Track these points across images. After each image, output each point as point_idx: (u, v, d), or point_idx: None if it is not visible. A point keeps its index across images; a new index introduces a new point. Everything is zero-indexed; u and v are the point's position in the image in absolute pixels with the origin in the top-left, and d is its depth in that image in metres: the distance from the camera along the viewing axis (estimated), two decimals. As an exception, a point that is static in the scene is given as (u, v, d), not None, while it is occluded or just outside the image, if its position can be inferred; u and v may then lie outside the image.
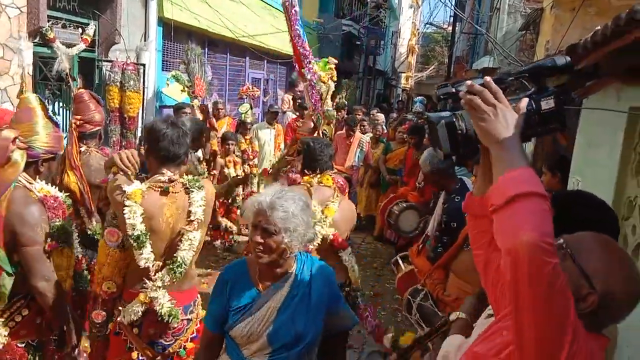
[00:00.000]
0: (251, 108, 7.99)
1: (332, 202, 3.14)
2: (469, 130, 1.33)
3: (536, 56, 5.83)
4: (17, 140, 2.24)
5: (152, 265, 2.41)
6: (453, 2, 20.87)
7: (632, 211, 2.28)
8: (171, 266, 2.43)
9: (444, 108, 1.41)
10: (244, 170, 6.95)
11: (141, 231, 2.34)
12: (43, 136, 2.41)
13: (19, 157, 2.24)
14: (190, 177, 2.51)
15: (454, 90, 1.36)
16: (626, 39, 1.81)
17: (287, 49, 12.70)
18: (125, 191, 2.32)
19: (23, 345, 2.40)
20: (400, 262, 3.36)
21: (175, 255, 2.44)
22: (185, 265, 2.45)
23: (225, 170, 6.27)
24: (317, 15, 15.06)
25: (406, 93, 28.97)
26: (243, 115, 7.56)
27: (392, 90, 29.91)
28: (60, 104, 5.76)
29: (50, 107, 5.62)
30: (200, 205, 2.45)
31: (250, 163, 7.15)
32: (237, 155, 6.69)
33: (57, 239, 2.48)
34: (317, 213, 2.98)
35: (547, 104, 1.32)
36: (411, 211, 5.60)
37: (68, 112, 5.81)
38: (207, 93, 7.44)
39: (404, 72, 30.15)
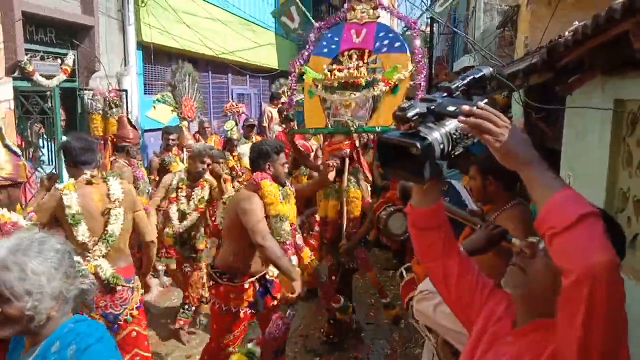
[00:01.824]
0: (236, 124, 7.98)
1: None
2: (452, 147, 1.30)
3: (516, 53, 5.88)
4: None
5: (89, 240, 3.12)
6: (429, 3, 21.04)
7: (626, 203, 2.29)
8: (104, 237, 3.17)
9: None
10: (234, 187, 6.94)
11: (77, 211, 3.07)
12: (2, 164, 2.50)
13: None
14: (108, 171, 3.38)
15: (427, 109, 1.31)
16: (607, 36, 1.83)
17: (267, 62, 12.77)
18: (58, 187, 3.14)
19: None
20: (404, 273, 3.34)
21: (106, 229, 3.17)
22: (115, 235, 3.19)
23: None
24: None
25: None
26: (229, 132, 7.55)
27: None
28: (45, 137, 5.71)
29: (38, 140, 5.62)
30: (118, 188, 3.21)
31: (240, 179, 7.13)
32: (226, 173, 6.67)
33: None
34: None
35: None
36: (399, 214, 5.59)
37: (53, 145, 5.76)
38: (197, 113, 7.44)
39: (385, 76, 30.23)
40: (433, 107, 1.31)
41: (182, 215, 4.74)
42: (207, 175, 4.75)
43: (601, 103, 2.56)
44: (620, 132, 2.55)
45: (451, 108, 1.30)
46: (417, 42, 4.79)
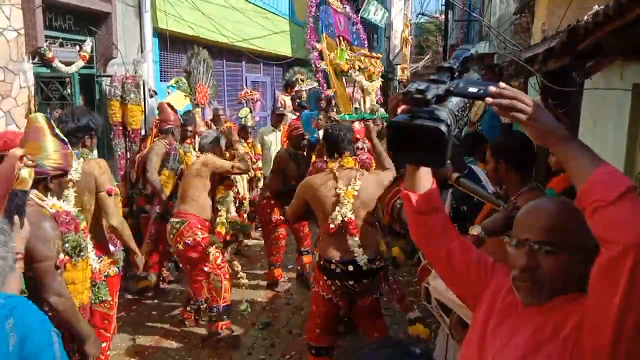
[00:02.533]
0: (251, 112, 8.02)
1: (355, 182, 3.67)
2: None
3: (533, 39, 5.84)
4: (24, 158, 2.29)
5: None
6: (444, -9, 20.84)
7: None
8: None
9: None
10: (248, 175, 6.99)
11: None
12: (51, 153, 2.48)
13: (27, 174, 2.28)
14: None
15: (446, 91, 1.28)
16: (628, 17, 1.82)
17: (281, 50, 12.76)
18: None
19: None
20: (422, 257, 3.38)
21: None
22: None
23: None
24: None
25: (403, 85, 28.91)
26: (243, 120, 7.59)
27: (389, 82, 29.87)
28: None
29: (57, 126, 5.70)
30: (75, 169, 3.19)
31: (254, 166, 7.18)
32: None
33: (70, 253, 2.59)
34: (341, 196, 3.66)
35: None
36: (414, 202, 5.65)
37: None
38: (209, 100, 7.48)
39: (399, 64, 30.11)
40: (452, 88, 1.29)
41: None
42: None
43: (620, 88, 2.57)
44: (638, 118, 2.56)
45: (473, 89, 1.26)
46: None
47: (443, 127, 1.21)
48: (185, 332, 4.93)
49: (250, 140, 7.59)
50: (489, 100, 1.23)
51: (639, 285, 1.10)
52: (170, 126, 5.73)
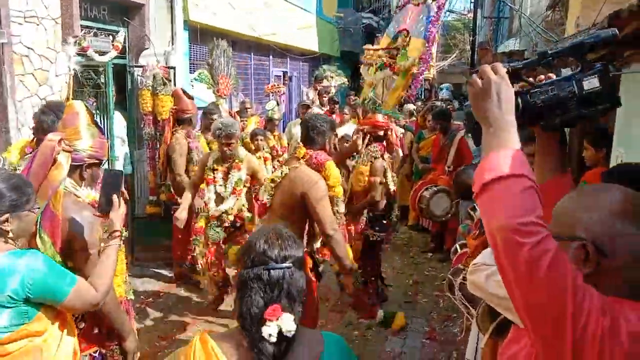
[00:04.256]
0: (277, 104, 8.06)
1: (276, 170, 3.78)
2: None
3: (566, 33, 5.76)
4: (62, 142, 2.26)
5: None
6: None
7: None
8: None
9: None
10: (273, 166, 7.04)
11: None
12: (87, 140, 2.42)
13: (64, 159, 2.25)
14: None
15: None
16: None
17: (309, 45, 12.80)
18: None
19: (86, 358, 2.38)
20: (458, 248, 3.37)
21: None
22: None
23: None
24: (336, 10, 15.07)
25: (429, 82, 28.65)
26: (270, 112, 7.64)
27: (414, 80, 29.63)
28: (98, 111, 5.91)
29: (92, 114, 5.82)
30: None
31: (280, 159, 7.22)
32: (266, 151, 6.78)
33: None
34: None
35: (589, 83, 1.27)
36: (442, 194, 5.63)
37: (106, 119, 5.96)
38: (232, 91, 7.52)
39: (426, 62, 29.88)
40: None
41: (219, 198, 4.66)
42: (244, 155, 4.71)
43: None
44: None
45: None
46: (434, 29, 4.74)
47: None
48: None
49: (276, 133, 7.64)
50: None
51: (509, 264, 1.11)
52: (188, 115, 5.70)
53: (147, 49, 6.53)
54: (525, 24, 8.26)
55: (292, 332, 1.34)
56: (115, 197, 2.24)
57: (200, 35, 7.82)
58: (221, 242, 4.72)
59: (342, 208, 3.68)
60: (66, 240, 2.21)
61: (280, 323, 1.32)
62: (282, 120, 8.93)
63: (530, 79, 1.34)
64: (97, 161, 2.49)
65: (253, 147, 6.41)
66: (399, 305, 5.31)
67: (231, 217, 4.68)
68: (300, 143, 3.71)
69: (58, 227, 2.14)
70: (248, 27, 9.03)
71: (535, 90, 1.32)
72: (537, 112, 1.32)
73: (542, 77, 1.35)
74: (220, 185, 4.64)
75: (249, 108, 7.89)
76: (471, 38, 15.30)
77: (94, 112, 5.83)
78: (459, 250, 3.60)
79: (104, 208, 2.26)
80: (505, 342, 1.46)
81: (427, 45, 4.61)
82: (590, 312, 1.04)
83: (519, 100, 1.31)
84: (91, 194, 2.49)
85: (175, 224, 4.59)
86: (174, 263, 5.73)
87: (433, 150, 6.84)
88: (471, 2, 19.83)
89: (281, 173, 3.55)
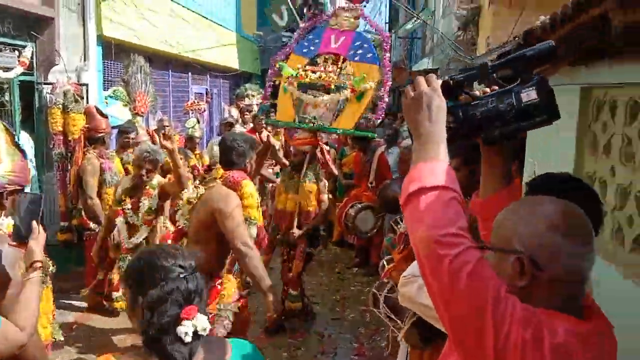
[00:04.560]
0: (198, 122, 7.89)
1: (191, 191, 3.47)
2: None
3: (478, 52, 6.07)
4: None
5: None
6: (388, 9, 21.40)
7: (626, 200, 2.37)
8: None
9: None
10: (195, 186, 6.84)
11: None
12: (8, 165, 2.17)
13: None
14: None
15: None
16: (586, 16, 1.91)
17: (229, 63, 12.68)
18: None
19: None
20: (385, 264, 3.38)
21: None
22: None
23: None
24: (256, 29, 15.08)
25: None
26: (190, 130, 7.46)
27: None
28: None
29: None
30: None
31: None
32: (187, 171, 6.58)
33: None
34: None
35: (527, 96, 1.28)
36: (367, 211, 5.73)
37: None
38: (150, 108, 7.28)
39: (344, 81, 30.59)
40: None
41: (131, 228, 4.43)
42: (154, 182, 4.44)
43: (568, 91, 2.69)
44: (587, 120, 2.68)
45: None
46: (388, 55, 4.95)
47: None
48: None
49: (197, 152, 7.46)
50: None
51: (431, 275, 1.12)
52: (101, 134, 5.39)
53: (57, 64, 6.18)
54: (438, 43, 8.64)
55: (207, 331, 1.40)
56: (34, 223, 2.00)
57: (115, 51, 7.52)
58: None
59: (254, 232, 3.45)
60: None
61: (196, 322, 1.37)
62: (202, 139, 8.74)
63: (476, 92, 1.36)
64: (19, 187, 2.24)
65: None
66: (326, 322, 5.28)
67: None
68: (219, 164, 3.60)
69: None
70: (166, 43, 8.81)
71: (476, 102, 1.33)
72: (477, 125, 1.33)
73: (488, 90, 1.37)
74: (131, 216, 4.41)
75: (167, 126, 7.59)
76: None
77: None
78: (386, 265, 3.63)
79: (21, 235, 2.00)
80: (441, 356, 1.46)
81: (385, 70, 4.80)
82: (512, 323, 1.03)
83: (460, 113, 1.32)
84: (11, 225, 2.21)
85: (88, 251, 4.36)
86: (89, 291, 5.37)
87: (355, 168, 6.94)
88: (386, 23, 20.52)
89: (197, 194, 3.38)
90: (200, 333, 1.38)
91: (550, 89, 1.28)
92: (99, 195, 5.24)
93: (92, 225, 5.40)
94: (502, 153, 1.47)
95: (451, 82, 1.33)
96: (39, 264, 1.99)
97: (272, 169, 7.19)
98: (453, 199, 1.14)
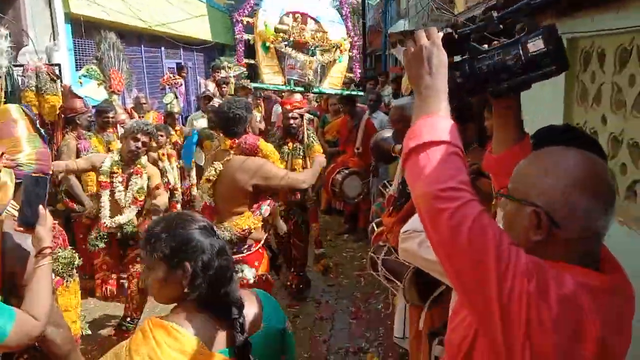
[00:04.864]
0: (176, 97, 7.73)
1: (211, 168, 3.46)
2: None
3: (456, 9, 6.00)
4: (3, 157, 1.89)
5: None
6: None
7: (618, 149, 2.38)
8: None
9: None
10: (178, 163, 6.76)
11: None
12: (31, 153, 2.05)
13: (8, 177, 1.88)
14: None
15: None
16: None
17: (202, 35, 12.41)
18: None
19: None
20: (375, 227, 3.39)
21: None
22: None
23: (160, 163, 6.06)
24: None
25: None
26: (169, 106, 7.31)
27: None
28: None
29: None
30: None
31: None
32: (169, 148, 6.49)
33: (62, 273, 2.27)
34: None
35: (534, 45, 1.22)
36: (354, 177, 5.71)
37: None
38: (126, 86, 7.11)
39: (318, 47, 30.28)
40: None
41: (116, 207, 4.12)
42: (145, 162, 4.28)
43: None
44: (574, 70, 2.68)
45: None
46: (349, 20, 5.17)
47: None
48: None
49: (178, 127, 7.33)
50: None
51: (433, 230, 1.11)
52: (75, 114, 5.25)
53: (27, 45, 5.98)
54: (412, 5, 8.52)
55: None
56: (41, 207, 1.87)
57: (85, 28, 7.29)
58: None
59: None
60: (7, 273, 1.87)
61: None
62: (181, 114, 8.61)
63: (485, 46, 1.32)
64: (42, 175, 2.08)
65: (155, 144, 6.09)
66: (322, 289, 5.33)
67: (129, 229, 4.12)
68: (221, 135, 3.55)
69: None
70: (136, 17, 8.57)
71: (482, 55, 1.29)
72: (483, 78, 1.29)
73: (496, 42, 1.33)
74: (120, 191, 4.11)
75: (144, 103, 7.47)
76: (361, 22, 15.60)
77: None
78: (375, 228, 3.65)
79: (27, 220, 1.87)
80: (452, 312, 1.47)
81: (349, 30, 4.92)
82: (515, 275, 1.01)
83: (466, 67, 1.29)
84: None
85: (77, 233, 4.23)
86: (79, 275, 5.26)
87: (341, 133, 6.90)
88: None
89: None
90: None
91: (558, 37, 1.23)
92: (78, 176, 5.13)
93: (76, 207, 5.30)
94: (512, 107, 1.45)
95: (455, 35, 1.29)
96: (48, 250, 1.88)
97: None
98: (453, 154, 1.12)
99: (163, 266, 1.49)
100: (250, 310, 1.61)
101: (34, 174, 1.98)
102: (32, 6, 6.19)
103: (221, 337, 1.51)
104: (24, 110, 2.15)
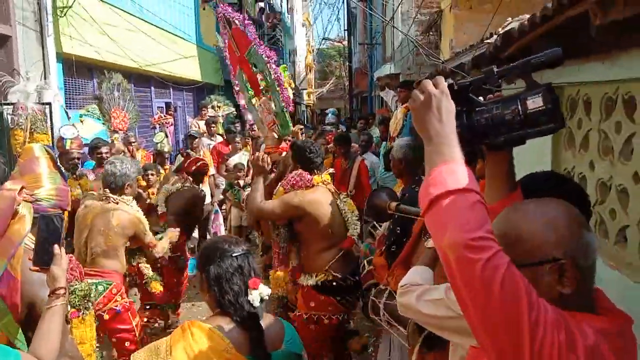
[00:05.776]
0: (166, 136, 7.77)
1: (341, 197, 3.81)
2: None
3: (442, 55, 6.17)
4: (23, 191, 1.95)
5: None
6: (346, 17, 21.62)
7: (607, 194, 2.43)
8: None
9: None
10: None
11: None
12: (50, 189, 2.14)
13: (26, 211, 1.93)
14: None
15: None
16: (565, 17, 1.96)
17: (191, 74, 12.53)
18: None
19: None
20: (366, 264, 3.39)
21: None
22: None
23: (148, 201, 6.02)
24: (216, 40, 14.96)
25: (310, 109, 29.45)
26: (159, 145, 7.34)
27: (297, 106, 30.25)
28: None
29: None
30: None
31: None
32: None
33: (78, 306, 2.31)
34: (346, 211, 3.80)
35: (534, 103, 1.25)
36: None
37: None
38: (130, 125, 7.17)
39: (305, 89, 30.74)
40: None
41: None
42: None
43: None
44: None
45: None
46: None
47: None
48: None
49: (167, 166, 7.33)
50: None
51: (462, 281, 1.08)
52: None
53: (17, 84, 5.99)
54: (402, 47, 8.72)
55: (267, 296, 1.84)
56: (56, 247, 1.86)
57: (76, 68, 7.34)
58: None
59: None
60: (27, 304, 1.89)
61: (260, 290, 1.79)
62: (171, 153, 8.63)
63: (480, 98, 1.36)
64: (60, 210, 2.20)
65: (144, 184, 6.07)
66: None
67: None
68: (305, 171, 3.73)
69: (17, 292, 1.85)
70: (127, 57, 8.66)
71: (481, 108, 1.32)
72: (482, 131, 1.32)
73: (492, 95, 1.37)
74: None
75: (133, 142, 7.48)
76: (348, 64, 15.93)
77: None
78: (366, 266, 3.65)
79: (43, 260, 1.85)
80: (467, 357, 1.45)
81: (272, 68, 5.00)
82: (546, 326, 1.02)
83: (464, 118, 1.32)
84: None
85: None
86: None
87: (335, 175, 6.95)
88: (344, 30, 20.71)
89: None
90: (264, 299, 1.80)
91: (556, 96, 1.27)
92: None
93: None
94: (506, 159, 1.47)
95: (455, 86, 1.32)
96: (62, 291, 1.84)
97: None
98: (478, 202, 1.11)
99: (202, 276, 1.85)
100: (272, 330, 1.83)
101: (50, 210, 2.06)
102: (25, 46, 6.24)
103: (247, 344, 1.73)
104: (46, 149, 2.27)
